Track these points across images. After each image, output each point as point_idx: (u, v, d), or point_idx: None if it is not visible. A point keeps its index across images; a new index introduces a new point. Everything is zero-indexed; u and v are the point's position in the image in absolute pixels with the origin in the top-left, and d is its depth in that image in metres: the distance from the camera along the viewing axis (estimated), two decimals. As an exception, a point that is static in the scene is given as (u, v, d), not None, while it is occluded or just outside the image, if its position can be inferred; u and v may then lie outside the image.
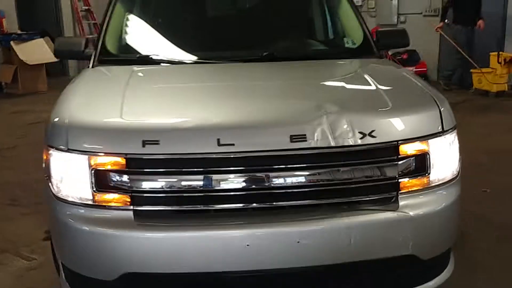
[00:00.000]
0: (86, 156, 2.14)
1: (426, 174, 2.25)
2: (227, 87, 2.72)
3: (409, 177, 2.23)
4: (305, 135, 2.12)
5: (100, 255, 2.14)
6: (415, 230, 2.19)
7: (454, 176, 2.34)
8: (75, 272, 2.25)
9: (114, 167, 2.13)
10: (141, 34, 3.45)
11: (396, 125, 2.23)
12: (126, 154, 2.10)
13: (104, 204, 2.15)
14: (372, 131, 2.17)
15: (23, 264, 3.35)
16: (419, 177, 2.25)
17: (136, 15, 3.61)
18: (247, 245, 2.06)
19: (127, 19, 3.52)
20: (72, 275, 2.29)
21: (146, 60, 3.13)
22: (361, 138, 2.15)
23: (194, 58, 3.16)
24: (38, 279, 3.15)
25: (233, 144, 2.09)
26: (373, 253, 2.16)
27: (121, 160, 2.11)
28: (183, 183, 2.11)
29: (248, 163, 2.11)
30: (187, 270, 2.10)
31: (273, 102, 2.43)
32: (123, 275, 2.11)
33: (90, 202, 2.16)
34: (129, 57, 3.24)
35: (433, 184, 2.27)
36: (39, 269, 3.28)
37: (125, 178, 2.12)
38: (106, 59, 3.21)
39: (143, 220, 2.11)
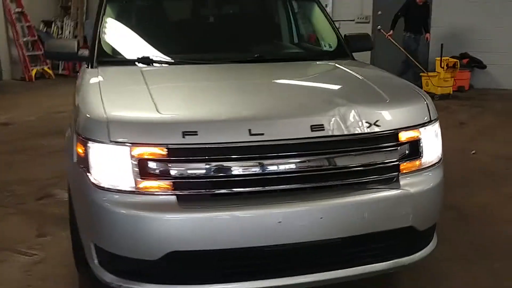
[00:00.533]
0: (129, 148, 2.36)
1: (419, 158, 2.65)
2: (242, 84, 3.02)
3: (406, 160, 2.62)
4: (322, 125, 2.45)
5: (145, 237, 2.35)
6: (413, 205, 2.58)
7: (439, 159, 2.76)
8: (117, 255, 2.44)
9: (157, 157, 2.35)
10: (137, 36, 3.65)
11: (395, 116, 2.61)
12: (167, 144, 2.34)
13: (147, 190, 2.37)
14: (377, 121, 2.54)
15: (25, 259, 3.44)
16: (414, 160, 2.64)
17: (129, 18, 3.81)
18: (279, 222, 2.36)
19: (121, 21, 3.72)
20: (112, 259, 2.47)
21: (146, 61, 3.35)
22: (368, 127, 2.52)
23: (191, 59, 3.42)
24: (47, 273, 3.27)
25: (262, 134, 2.38)
26: (380, 226, 2.52)
27: (163, 150, 2.35)
28: (220, 169, 2.37)
29: (276, 150, 2.41)
30: (225, 246, 2.36)
31: (292, 97, 2.76)
32: (167, 254, 2.34)
33: (133, 189, 2.37)
34: (128, 58, 3.44)
35: (424, 166, 2.67)
36: (44, 263, 3.39)
37: (167, 166, 2.35)
38: (106, 60, 3.40)
39: (185, 203, 2.35)
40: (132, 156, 2.36)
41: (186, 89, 2.94)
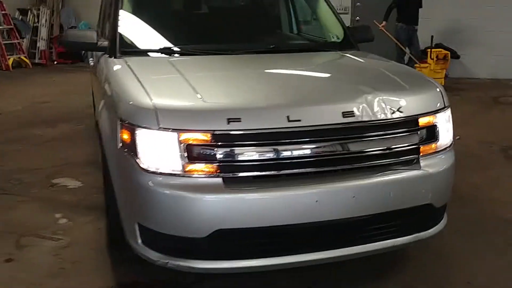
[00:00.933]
0: (177, 133, 2.52)
1: (436, 141, 2.90)
2: (271, 73, 3.21)
3: (425, 144, 2.86)
4: (353, 111, 2.67)
5: (194, 216, 2.52)
6: (432, 184, 2.83)
7: (451, 143, 3.02)
8: (164, 233, 2.60)
9: (203, 142, 2.53)
10: (156, 26, 3.76)
11: (415, 103, 2.85)
12: (213, 130, 2.52)
13: (195, 173, 2.54)
14: (400, 107, 2.77)
15: (52, 244, 3.55)
16: (431, 143, 2.88)
17: (146, 9, 3.94)
18: (316, 201, 2.57)
19: (139, 12, 3.84)
20: (158, 237, 2.63)
21: (169, 51, 3.50)
22: (392, 113, 2.75)
23: (212, 49, 3.58)
24: (76, 256, 3.38)
25: (300, 120, 2.58)
26: (404, 203, 2.76)
27: (208, 136, 2.52)
28: (261, 153, 2.56)
29: (312, 135, 2.62)
30: (268, 224, 2.55)
31: (321, 85, 2.97)
32: (214, 232, 2.52)
33: (181, 172, 2.54)
34: (151, 48, 3.58)
35: (440, 149, 2.92)
36: (72, 247, 3.50)
37: (213, 150, 2.53)
38: (129, 50, 3.53)
39: (231, 185, 2.53)
40: (179, 142, 2.52)
41: (221, 78, 3.10)
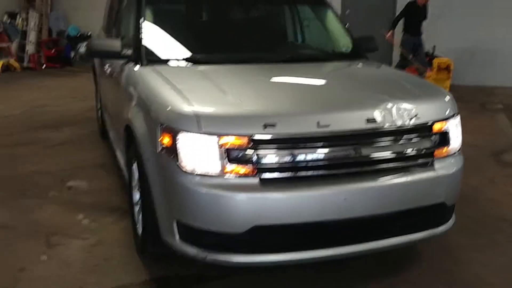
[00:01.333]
0: (217, 137, 2.74)
1: (448, 145, 3.17)
2: (297, 81, 3.46)
3: (439, 148, 3.12)
4: (375, 118, 2.92)
5: (233, 214, 2.74)
6: (445, 185, 3.10)
7: (460, 147, 3.29)
8: (203, 230, 2.81)
9: (241, 145, 2.74)
10: (179, 36, 3.96)
11: (429, 110, 3.11)
12: (251, 134, 2.74)
13: (233, 173, 2.76)
14: (416, 114, 3.03)
15: (81, 242, 3.71)
16: (444, 148, 3.15)
17: (167, 19, 4.14)
18: (344, 199, 2.81)
19: (161, 22, 4.02)
20: (197, 233, 2.83)
21: (194, 60, 3.71)
22: (410, 120, 3.01)
23: (234, 59, 3.80)
24: (107, 253, 3.56)
25: (328, 125, 2.82)
26: (421, 202, 3.02)
27: (247, 140, 2.74)
28: (294, 155, 2.79)
29: (339, 139, 2.86)
30: (300, 220, 2.78)
31: (344, 93, 3.22)
32: (252, 228, 2.74)
33: (221, 173, 2.75)
34: (176, 57, 3.77)
35: (451, 153, 3.19)
36: (101, 245, 3.67)
37: (251, 153, 2.75)
38: (154, 59, 3.72)
39: (267, 184, 2.76)
40: (219, 145, 2.74)
41: (251, 86, 3.32)
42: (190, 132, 2.75)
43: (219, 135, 2.74)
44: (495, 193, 4.76)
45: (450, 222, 3.28)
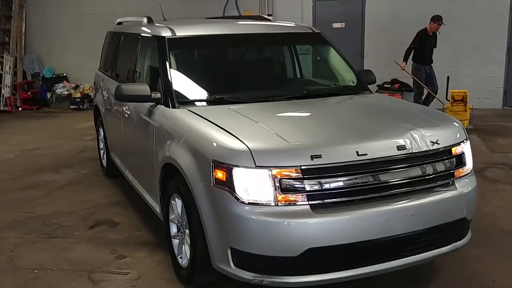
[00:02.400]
0: (269, 170, 3.04)
1: (464, 166, 3.56)
2: (325, 115, 3.84)
3: (457, 168, 3.51)
4: (404, 145, 3.29)
5: (287, 238, 3.03)
6: (466, 201, 3.48)
7: (472, 167, 3.69)
8: (258, 255, 3.07)
9: (292, 176, 3.05)
10: (203, 79, 4.29)
11: (446, 136, 3.51)
12: (300, 166, 3.05)
13: (287, 202, 3.06)
14: (437, 140, 3.42)
15: (123, 277, 3.89)
16: (461, 168, 3.54)
17: (190, 63, 4.45)
18: (385, 220, 3.15)
19: (185, 67, 4.33)
20: (252, 259, 3.10)
21: (221, 101, 4.02)
22: (432, 145, 3.39)
23: (258, 97, 4.13)
24: (152, 285, 3.77)
25: (366, 154, 3.17)
26: (447, 218, 3.39)
27: (296, 171, 3.05)
28: (339, 182, 3.12)
29: (376, 166, 3.21)
30: (348, 241, 3.09)
31: (376, 124, 3.60)
32: (306, 251, 3.03)
33: (274, 202, 3.05)
34: (206, 99, 4.08)
35: (466, 173, 3.59)
36: (143, 278, 3.86)
37: (301, 182, 3.06)
38: (184, 101, 4.02)
39: (317, 210, 3.07)
40: (272, 176, 3.04)
41: (285, 121, 3.68)
42: (245, 167, 3.05)
43: (271, 168, 3.04)
44: (488, 208, 5.19)
45: (469, 235, 3.66)
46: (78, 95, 12.48)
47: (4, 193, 6.04)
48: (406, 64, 9.82)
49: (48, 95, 12.81)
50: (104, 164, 6.52)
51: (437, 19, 9.69)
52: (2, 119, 11.51)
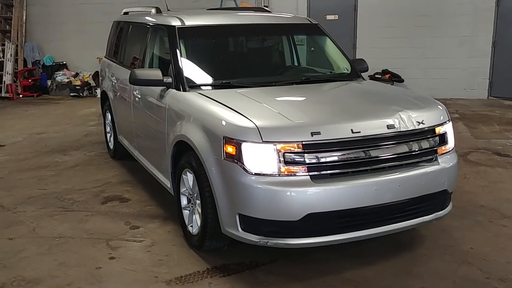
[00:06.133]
0: (273, 145, 3.45)
1: (446, 144, 3.99)
2: (324, 98, 4.25)
3: (440, 146, 3.94)
4: (393, 124, 3.71)
5: (290, 204, 3.45)
6: (447, 175, 3.92)
7: (453, 146, 4.12)
8: (263, 219, 3.49)
9: (294, 150, 3.47)
10: (212, 66, 4.69)
11: (430, 117, 3.93)
12: (302, 141, 3.47)
13: (289, 173, 3.47)
14: (423, 120, 3.85)
15: (139, 244, 4.30)
16: (443, 146, 3.97)
17: (199, 50, 4.85)
18: (375, 189, 3.58)
19: (194, 53, 4.73)
20: (258, 223, 3.51)
21: (228, 85, 4.42)
22: (418, 125, 3.81)
23: (261, 82, 4.54)
24: (166, 250, 4.17)
25: (359, 132, 3.59)
26: (430, 189, 3.82)
27: (298, 145, 3.47)
28: (335, 156, 3.54)
29: (368, 142, 3.62)
30: (343, 207, 3.51)
31: (366, 106, 4.02)
32: (305, 216, 3.45)
33: (278, 173, 3.46)
34: (213, 83, 4.49)
35: (448, 150, 4.02)
36: (157, 245, 4.27)
37: (302, 156, 3.47)
38: (194, 85, 4.42)
39: (316, 180, 3.48)
40: (277, 150, 3.45)
41: (288, 103, 4.09)
42: (253, 142, 3.46)
43: (276, 143, 3.46)
44: (469, 187, 5.66)
45: (450, 207, 4.10)
46: (78, 82, 12.80)
47: (18, 172, 6.41)
48: None
49: (48, 82, 13.10)
50: (111, 146, 6.90)
51: None
52: (4, 105, 11.81)
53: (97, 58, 11.87)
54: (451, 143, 4.05)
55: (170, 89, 4.52)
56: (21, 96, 12.86)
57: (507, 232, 4.50)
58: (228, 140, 3.56)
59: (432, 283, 3.67)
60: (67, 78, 12.93)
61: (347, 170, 3.58)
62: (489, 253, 4.09)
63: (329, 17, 11.90)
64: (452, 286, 3.65)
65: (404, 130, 3.74)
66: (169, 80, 4.51)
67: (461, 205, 5.05)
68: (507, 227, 4.60)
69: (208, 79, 4.58)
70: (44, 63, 13.33)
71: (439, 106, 4.15)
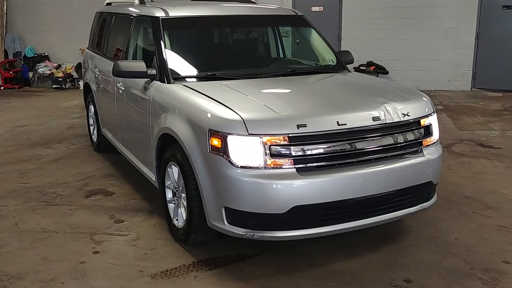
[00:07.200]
0: (259, 138, 3.42)
1: (431, 136, 4.00)
2: (310, 90, 4.23)
3: (425, 138, 3.95)
4: (379, 116, 3.70)
5: (276, 197, 3.42)
6: (432, 167, 3.92)
7: (438, 138, 4.13)
8: (249, 212, 3.47)
9: (280, 142, 3.44)
10: (196, 58, 4.64)
11: (416, 109, 3.93)
12: (288, 134, 3.45)
13: (276, 166, 3.45)
14: (408, 112, 3.84)
15: (124, 238, 4.26)
16: (428, 138, 3.98)
17: (183, 42, 4.79)
18: (361, 181, 3.57)
19: (178, 45, 4.67)
20: (244, 216, 3.49)
21: (213, 77, 4.38)
22: (403, 117, 3.81)
23: (246, 74, 4.50)
24: (151, 244, 4.13)
25: (345, 124, 3.58)
26: (415, 181, 3.82)
27: (284, 138, 3.44)
28: (321, 148, 3.52)
29: (354, 134, 3.61)
30: (328, 200, 3.50)
31: (351, 98, 4.01)
32: (292, 208, 3.43)
33: (264, 166, 3.44)
34: (198, 75, 4.44)
35: (433, 142, 4.03)
36: (142, 239, 4.23)
37: (288, 148, 3.45)
38: (179, 77, 4.36)
39: (302, 173, 3.47)
40: (263, 143, 3.43)
41: (274, 95, 4.05)
42: (238, 135, 3.42)
43: (262, 136, 3.43)
44: (454, 178, 5.69)
45: (434, 198, 4.12)
46: (60, 74, 12.64)
47: (0, 165, 6.31)
48: None
49: (30, 74, 12.94)
50: (95, 139, 6.82)
51: None
52: (-16, 98, 11.63)
53: (80, 49, 11.72)
54: (436, 134, 4.06)
55: (154, 81, 4.46)
56: (2, 88, 12.68)
57: (491, 223, 4.53)
58: (214, 133, 3.52)
59: (418, 274, 3.68)
60: (49, 70, 12.76)
61: (333, 162, 3.56)
62: (473, 244, 4.12)
63: (314, 8, 11.88)
64: (437, 277, 3.66)
65: (389, 122, 3.73)
66: (153, 72, 4.45)
67: (446, 196, 5.08)
68: (491, 217, 4.63)
69: (193, 71, 4.53)
70: (25, 54, 13.17)
71: (424, 98, 4.15)
